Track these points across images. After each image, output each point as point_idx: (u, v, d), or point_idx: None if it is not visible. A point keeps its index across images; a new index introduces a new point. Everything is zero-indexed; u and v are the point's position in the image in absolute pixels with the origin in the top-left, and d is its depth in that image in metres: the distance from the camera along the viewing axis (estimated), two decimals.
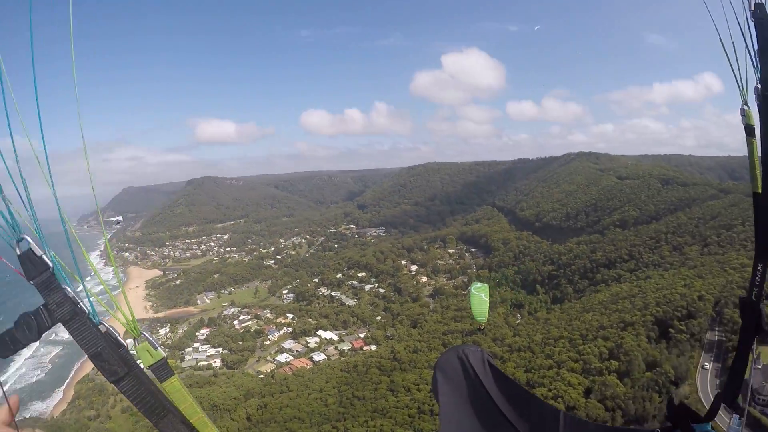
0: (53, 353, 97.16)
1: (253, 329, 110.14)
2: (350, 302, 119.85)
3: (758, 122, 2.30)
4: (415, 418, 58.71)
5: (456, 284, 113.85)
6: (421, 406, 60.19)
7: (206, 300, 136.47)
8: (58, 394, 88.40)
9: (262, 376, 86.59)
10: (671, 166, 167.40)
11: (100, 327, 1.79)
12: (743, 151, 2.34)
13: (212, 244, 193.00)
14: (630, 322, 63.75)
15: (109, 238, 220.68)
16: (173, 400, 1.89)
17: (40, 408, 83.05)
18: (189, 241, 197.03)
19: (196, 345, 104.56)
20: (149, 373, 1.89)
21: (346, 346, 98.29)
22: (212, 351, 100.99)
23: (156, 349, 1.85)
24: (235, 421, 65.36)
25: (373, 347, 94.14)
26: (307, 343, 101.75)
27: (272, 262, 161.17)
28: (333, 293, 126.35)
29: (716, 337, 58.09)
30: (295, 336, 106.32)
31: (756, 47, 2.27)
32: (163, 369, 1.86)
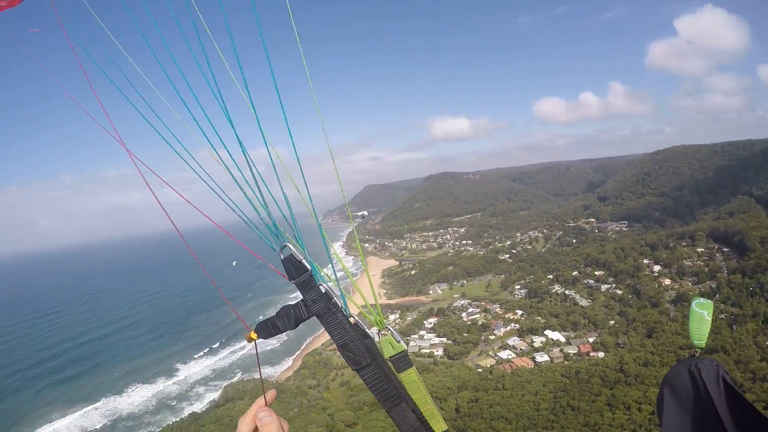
0: None
1: (479, 323, 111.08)
2: (584, 302, 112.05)
3: None
4: None
5: (702, 289, 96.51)
6: (637, 429, 53.65)
7: (438, 291, 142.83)
8: (287, 362, 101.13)
9: (480, 370, 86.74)
10: None
11: (350, 319, 2.03)
12: None
13: (448, 237, 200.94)
14: None
15: (352, 230, 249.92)
16: (408, 390, 2.05)
17: (268, 372, 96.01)
18: (426, 233, 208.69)
19: (422, 333, 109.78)
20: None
21: (572, 350, 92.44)
22: (436, 340, 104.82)
23: (398, 341, 2.03)
24: (443, 410, 67.16)
25: (601, 354, 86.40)
26: (532, 341, 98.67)
27: (507, 256, 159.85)
28: (567, 291, 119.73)
29: None
30: (521, 333, 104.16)
31: None
32: (402, 360, 2.04)
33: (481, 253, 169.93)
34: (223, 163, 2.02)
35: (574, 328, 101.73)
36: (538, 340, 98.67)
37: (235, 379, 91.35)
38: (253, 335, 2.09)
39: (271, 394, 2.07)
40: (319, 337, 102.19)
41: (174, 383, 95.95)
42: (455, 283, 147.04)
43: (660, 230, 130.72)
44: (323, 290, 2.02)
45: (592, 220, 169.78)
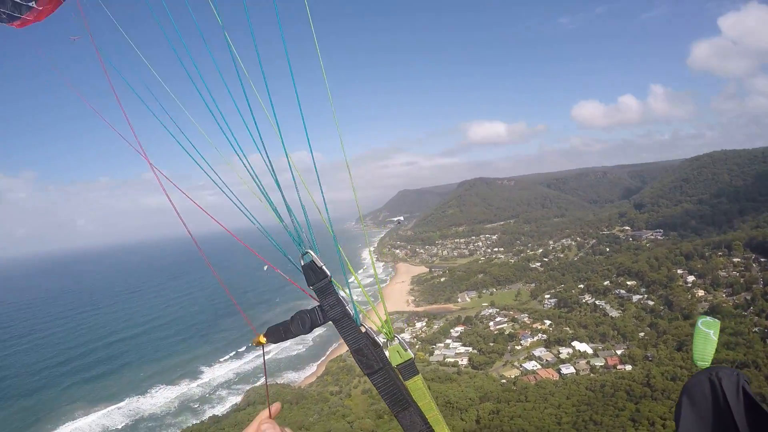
0: (317, 332, 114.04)
1: (507, 332, 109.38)
2: (614, 313, 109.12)
3: None
4: None
5: (737, 301, 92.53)
6: None
7: (467, 299, 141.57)
8: (311, 368, 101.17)
9: (504, 381, 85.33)
10: None
11: (360, 328, 2.15)
12: None
13: (480, 244, 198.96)
14: None
15: (383, 236, 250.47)
16: (414, 397, 2.18)
17: (292, 377, 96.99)
18: (458, 240, 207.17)
19: (447, 341, 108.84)
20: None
21: (599, 362, 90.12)
22: (462, 349, 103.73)
23: (406, 350, 2.16)
24: (464, 421, 66.68)
25: (628, 367, 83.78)
26: (559, 353, 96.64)
27: (538, 264, 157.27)
28: (597, 302, 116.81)
29: None
30: (548, 344, 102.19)
31: None
32: (409, 368, 2.17)
33: (513, 261, 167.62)
34: (251, 170, 2.20)
35: (603, 340, 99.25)
36: (564, 352, 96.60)
37: (258, 384, 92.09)
38: (262, 339, 2.22)
39: (275, 406, 2.19)
40: (344, 344, 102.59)
41: (198, 385, 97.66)
42: (484, 291, 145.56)
43: (696, 239, 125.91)
44: (341, 297, 2.13)
45: (627, 228, 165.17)
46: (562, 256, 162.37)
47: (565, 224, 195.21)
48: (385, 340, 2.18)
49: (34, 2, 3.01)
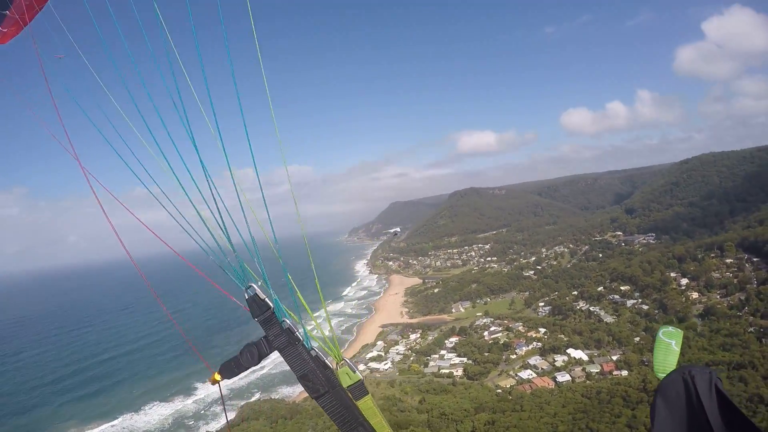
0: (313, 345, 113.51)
1: (501, 341, 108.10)
2: (608, 319, 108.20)
3: None
4: None
5: (731, 303, 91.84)
6: None
7: (461, 309, 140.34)
8: None
9: (499, 391, 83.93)
10: None
11: (311, 352, 2.19)
12: None
13: (473, 254, 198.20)
14: None
15: (376, 248, 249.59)
16: (366, 416, 2.21)
17: (286, 392, 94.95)
18: (450, 251, 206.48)
19: (442, 352, 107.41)
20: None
21: (594, 369, 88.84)
22: (456, 360, 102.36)
23: (355, 372, 2.22)
24: None
25: (624, 373, 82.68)
26: (554, 361, 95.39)
27: (531, 272, 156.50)
28: (591, 308, 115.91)
29: None
30: (543, 352, 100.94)
31: None
32: (359, 389, 2.22)
33: (506, 270, 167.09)
34: (195, 207, 2.24)
35: (598, 346, 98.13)
36: (560, 359, 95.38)
37: (252, 399, 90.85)
38: (217, 376, 2.27)
39: None
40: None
41: (192, 402, 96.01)
42: (478, 301, 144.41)
43: (688, 242, 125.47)
44: (285, 326, 2.19)
45: (619, 233, 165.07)
46: (555, 263, 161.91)
47: (557, 231, 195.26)
48: (335, 364, 2.25)
49: None
